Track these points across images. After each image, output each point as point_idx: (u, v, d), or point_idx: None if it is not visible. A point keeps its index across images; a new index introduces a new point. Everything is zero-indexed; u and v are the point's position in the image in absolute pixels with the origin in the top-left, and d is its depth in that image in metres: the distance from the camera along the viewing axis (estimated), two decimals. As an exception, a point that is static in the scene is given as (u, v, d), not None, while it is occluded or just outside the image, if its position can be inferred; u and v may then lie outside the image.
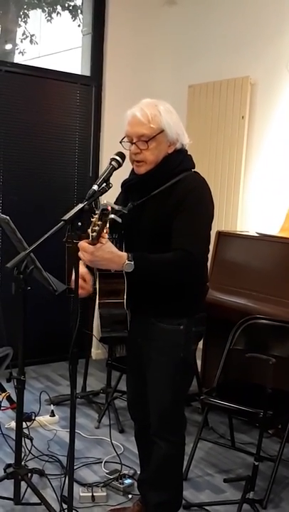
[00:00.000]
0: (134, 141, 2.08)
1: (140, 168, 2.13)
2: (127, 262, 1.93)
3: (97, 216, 1.78)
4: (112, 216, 1.84)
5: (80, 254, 1.94)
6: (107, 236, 1.86)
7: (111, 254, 1.92)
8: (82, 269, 2.10)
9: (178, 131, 2.11)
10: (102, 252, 1.90)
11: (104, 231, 1.83)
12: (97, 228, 1.81)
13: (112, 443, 2.99)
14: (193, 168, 2.19)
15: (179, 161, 2.13)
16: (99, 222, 1.79)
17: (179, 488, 2.37)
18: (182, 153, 2.16)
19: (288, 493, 2.85)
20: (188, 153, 2.20)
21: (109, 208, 1.77)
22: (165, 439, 2.24)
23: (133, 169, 2.23)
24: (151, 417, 2.26)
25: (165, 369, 2.19)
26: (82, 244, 1.91)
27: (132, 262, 1.93)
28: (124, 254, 1.95)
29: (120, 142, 2.13)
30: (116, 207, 1.95)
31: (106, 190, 2.04)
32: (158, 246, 2.04)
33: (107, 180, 2.04)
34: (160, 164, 2.11)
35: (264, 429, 2.69)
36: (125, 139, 2.12)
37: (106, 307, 2.10)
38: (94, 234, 1.83)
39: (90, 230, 1.86)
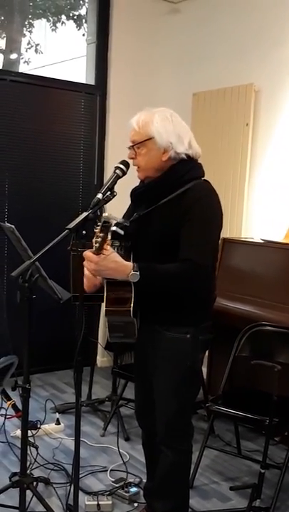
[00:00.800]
0: (130, 146, 2.16)
1: (138, 174, 2.20)
2: (132, 272, 1.94)
3: (99, 228, 1.82)
4: (114, 228, 1.88)
5: (84, 263, 1.96)
6: (109, 247, 1.88)
7: (116, 264, 1.94)
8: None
9: (171, 139, 2.10)
10: (107, 262, 1.91)
11: (106, 242, 1.85)
12: (99, 240, 1.84)
13: (119, 452, 2.98)
14: (203, 176, 2.19)
15: (186, 170, 2.13)
16: (101, 234, 1.82)
17: (186, 497, 2.37)
18: (191, 162, 2.17)
19: (295, 501, 2.83)
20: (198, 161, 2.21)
21: (112, 221, 1.81)
22: (171, 447, 2.24)
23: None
24: (157, 425, 2.25)
25: (171, 377, 2.18)
26: (87, 253, 1.93)
27: (138, 273, 1.94)
28: (129, 264, 1.96)
29: (129, 148, 2.19)
30: (118, 219, 1.99)
31: (110, 199, 2.06)
32: (166, 255, 2.05)
33: (111, 188, 2.06)
34: (166, 173, 2.13)
35: (270, 436, 2.68)
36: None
37: (112, 315, 2.10)
38: (96, 245, 1.86)
39: (93, 241, 1.88)
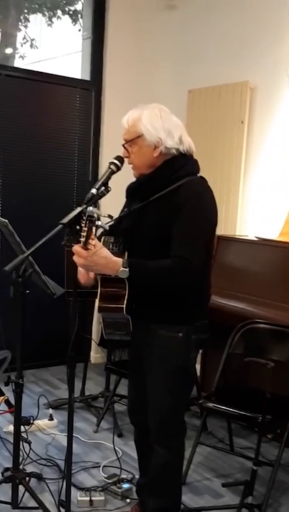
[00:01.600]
0: (123, 144, 2.16)
1: (133, 171, 2.20)
2: (121, 268, 1.93)
3: (84, 222, 1.82)
4: (98, 223, 1.86)
5: (74, 258, 1.95)
6: (94, 242, 1.86)
7: (105, 260, 1.93)
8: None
9: (160, 135, 2.09)
10: (97, 258, 1.91)
11: (91, 237, 1.84)
12: (84, 234, 1.83)
13: (114, 448, 2.98)
14: (198, 172, 2.18)
15: (179, 165, 2.12)
16: (85, 229, 1.82)
17: (178, 494, 2.36)
18: (185, 157, 2.15)
19: (287, 498, 2.84)
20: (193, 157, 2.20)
21: (96, 215, 1.80)
22: (164, 445, 2.24)
23: None
24: (150, 423, 2.25)
25: (163, 376, 2.18)
26: (76, 248, 1.91)
27: (127, 269, 1.93)
28: (119, 260, 1.95)
29: (123, 145, 2.19)
30: (102, 214, 1.97)
31: (104, 194, 2.05)
32: (160, 251, 2.03)
33: (105, 184, 2.05)
34: (159, 168, 2.13)
35: (263, 433, 2.69)
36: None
37: (106, 312, 2.10)
38: (83, 239, 1.85)
39: (81, 235, 1.87)
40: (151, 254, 2.03)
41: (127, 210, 2.16)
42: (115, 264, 1.94)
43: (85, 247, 1.86)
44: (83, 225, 1.83)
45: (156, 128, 2.09)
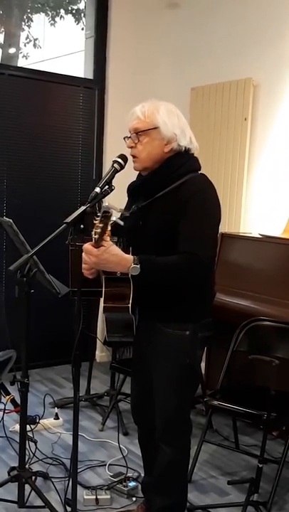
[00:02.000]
0: (130, 135, 2.13)
1: (135, 164, 2.16)
2: (133, 265, 1.92)
3: (98, 218, 1.79)
4: (114, 219, 1.84)
5: (84, 256, 1.94)
6: (109, 239, 1.86)
7: (116, 257, 1.92)
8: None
9: (175, 131, 2.10)
10: (108, 255, 1.90)
11: (106, 233, 1.82)
12: (99, 231, 1.81)
13: (119, 446, 2.98)
14: (199, 169, 2.18)
15: (182, 162, 2.12)
16: (101, 225, 1.79)
17: (184, 493, 2.37)
18: (187, 155, 2.15)
19: (293, 496, 2.84)
20: (195, 155, 2.20)
21: (111, 211, 1.77)
22: (170, 444, 2.24)
23: (139, 173, 2.25)
24: (156, 421, 2.25)
25: (170, 374, 2.18)
26: (87, 246, 1.91)
27: (138, 266, 1.92)
28: (130, 257, 1.94)
29: (124, 138, 2.17)
30: (118, 209, 1.96)
31: (108, 193, 2.05)
32: (164, 249, 2.03)
33: (109, 182, 2.05)
34: (162, 165, 2.12)
35: (268, 431, 2.69)
36: (128, 137, 2.17)
37: (111, 311, 2.09)
38: (96, 236, 1.83)
39: (93, 233, 1.85)
40: (156, 252, 2.03)
41: (135, 207, 2.13)
42: (127, 261, 1.93)
43: (97, 244, 1.85)
44: (96, 221, 1.80)
45: (173, 123, 2.11)
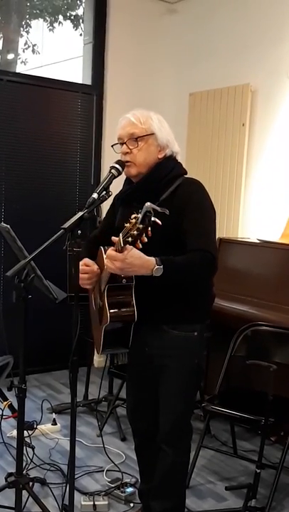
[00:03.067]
0: (124, 141, 2.14)
1: (130, 169, 2.15)
2: (156, 266, 1.92)
3: (133, 221, 1.73)
4: (154, 219, 1.76)
5: (106, 263, 1.92)
6: (146, 240, 1.78)
7: (141, 260, 1.90)
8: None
9: (168, 138, 2.17)
10: (132, 259, 1.88)
11: (144, 235, 1.76)
12: (135, 233, 1.75)
13: (106, 454, 2.98)
14: (186, 174, 2.23)
15: (170, 167, 2.17)
16: (140, 226, 1.73)
17: (183, 497, 2.37)
18: (173, 160, 2.21)
19: (291, 501, 2.84)
20: (185, 163, 2.26)
21: (152, 211, 1.73)
22: (174, 446, 2.24)
23: (126, 180, 2.27)
24: (161, 424, 2.25)
25: (181, 377, 2.19)
26: (110, 252, 1.88)
27: (161, 266, 1.93)
28: (152, 259, 1.93)
29: (112, 146, 2.19)
30: (158, 209, 1.84)
31: (106, 199, 2.07)
32: (169, 249, 2.04)
33: (106, 188, 2.07)
34: (152, 170, 2.15)
35: (266, 436, 2.68)
36: (117, 144, 2.18)
37: (117, 319, 2.08)
38: (129, 239, 1.77)
39: (120, 237, 1.79)
40: (161, 253, 2.03)
41: (165, 209, 2.11)
42: (150, 263, 1.92)
43: (123, 248, 1.81)
44: (129, 224, 1.75)
45: (166, 130, 2.17)
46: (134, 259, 1.88)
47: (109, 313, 2.05)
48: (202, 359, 2.30)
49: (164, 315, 2.14)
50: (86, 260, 2.19)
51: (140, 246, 1.81)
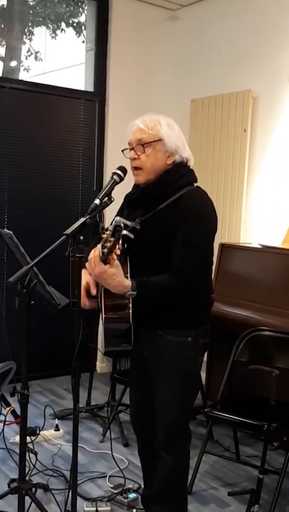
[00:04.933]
0: (133, 146, 2.15)
1: (138, 177, 2.17)
2: (130, 292, 1.98)
3: (109, 232, 1.81)
4: (125, 232, 1.87)
5: (88, 265, 1.97)
6: (119, 252, 1.87)
7: (117, 283, 1.96)
8: (87, 278, 2.16)
9: (178, 143, 2.15)
10: (108, 277, 1.93)
11: (117, 247, 1.84)
12: (108, 244, 1.83)
13: (113, 457, 2.97)
14: (196, 182, 2.21)
15: (180, 174, 2.15)
16: (112, 239, 1.81)
17: (183, 503, 2.36)
18: (183, 167, 2.19)
19: (294, 507, 2.83)
20: (191, 167, 2.23)
21: (122, 225, 1.80)
22: (171, 452, 2.24)
23: (135, 184, 2.26)
24: (157, 430, 2.25)
25: (174, 382, 2.19)
26: (96, 260, 1.93)
27: (135, 293, 1.98)
28: (128, 284, 1.97)
29: (122, 151, 2.19)
30: (128, 223, 1.99)
31: (108, 205, 2.07)
32: (161, 259, 2.07)
33: (108, 194, 2.07)
34: (160, 177, 2.15)
35: (269, 441, 2.68)
36: (127, 149, 2.18)
37: (111, 322, 2.10)
38: (105, 250, 1.85)
39: (100, 246, 1.87)
40: (153, 262, 2.08)
41: (139, 220, 2.13)
42: (124, 288, 1.98)
43: (108, 257, 1.87)
44: (105, 235, 1.82)
45: (175, 136, 2.15)
46: (110, 279, 1.94)
47: (105, 315, 2.08)
48: (197, 365, 2.27)
49: (159, 320, 2.15)
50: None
51: (115, 258, 1.88)
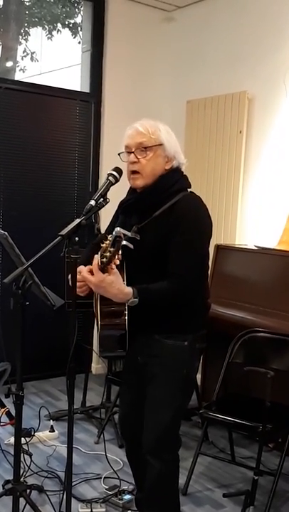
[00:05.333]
0: (132, 150, 2.13)
1: (136, 181, 2.16)
2: (132, 299, 1.97)
3: (108, 242, 1.81)
4: (125, 243, 1.88)
5: (84, 274, 1.96)
6: (118, 262, 1.87)
7: (117, 291, 1.94)
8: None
9: (176, 149, 2.16)
10: (107, 286, 1.91)
11: (116, 257, 1.84)
12: (108, 254, 1.83)
13: (107, 459, 2.97)
14: (189, 187, 2.21)
15: (174, 180, 2.16)
16: (111, 249, 1.81)
17: (176, 506, 2.33)
18: (178, 172, 2.20)
19: (288, 508, 2.83)
20: (184, 173, 2.23)
21: (122, 235, 1.81)
22: (159, 457, 2.19)
23: (130, 190, 2.26)
24: (145, 435, 2.22)
25: (168, 386, 2.18)
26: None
27: (137, 299, 1.97)
28: (129, 291, 1.96)
29: (118, 154, 2.18)
30: (128, 233, 2.00)
31: (103, 206, 2.07)
32: (158, 265, 2.07)
33: (104, 195, 2.07)
34: (156, 182, 2.14)
35: (263, 442, 2.68)
36: (124, 153, 2.17)
37: (107, 329, 2.09)
38: (104, 260, 1.85)
39: (99, 256, 1.87)
40: (150, 268, 2.08)
41: (136, 228, 2.13)
42: (126, 295, 1.96)
43: (107, 267, 1.86)
44: (105, 244, 1.82)
45: (174, 142, 2.16)
46: (110, 288, 1.92)
47: (102, 322, 2.07)
48: (193, 370, 2.27)
49: (156, 324, 2.14)
50: (80, 267, 2.18)
51: (114, 267, 1.88)
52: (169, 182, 2.14)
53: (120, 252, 1.84)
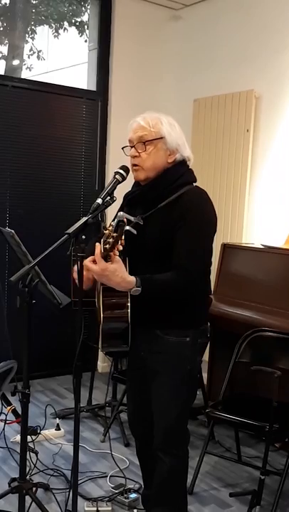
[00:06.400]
0: (134, 144, 2.13)
1: (138, 173, 2.16)
2: (135, 288, 1.95)
3: (111, 228, 1.79)
4: (128, 228, 1.85)
5: (86, 262, 1.94)
6: (121, 248, 1.85)
7: (120, 279, 1.92)
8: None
9: (179, 142, 2.14)
10: (112, 275, 1.90)
11: (119, 243, 1.83)
12: (111, 240, 1.81)
13: (113, 457, 2.97)
14: (195, 181, 2.21)
15: (180, 173, 2.15)
16: (114, 234, 1.79)
17: (183, 503, 2.35)
18: (183, 166, 2.18)
19: (295, 508, 2.82)
20: (190, 167, 2.22)
21: (125, 220, 1.79)
22: (169, 453, 2.22)
23: (135, 182, 2.25)
24: (155, 431, 2.24)
25: (171, 382, 2.18)
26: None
27: (140, 288, 1.95)
28: (132, 279, 1.95)
29: (122, 148, 2.18)
30: (131, 218, 1.97)
31: (110, 204, 2.06)
32: (161, 258, 2.06)
33: (111, 193, 2.06)
34: (160, 175, 2.14)
35: (270, 442, 2.67)
36: (127, 147, 2.17)
37: (109, 321, 2.09)
38: (107, 246, 1.83)
39: (102, 242, 1.85)
40: (153, 261, 2.07)
41: (140, 217, 2.11)
42: (129, 284, 1.94)
43: (110, 253, 1.84)
44: (108, 230, 1.81)
45: (176, 134, 2.14)
46: (113, 276, 1.90)
47: (103, 314, 2.06)
48: (196, 365, 2.27)
49: (158, 320, 2.13)
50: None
51: (116, 253, 1.86)
52: (174, 175, 2.13)
53: (123, 237, 1.82)
